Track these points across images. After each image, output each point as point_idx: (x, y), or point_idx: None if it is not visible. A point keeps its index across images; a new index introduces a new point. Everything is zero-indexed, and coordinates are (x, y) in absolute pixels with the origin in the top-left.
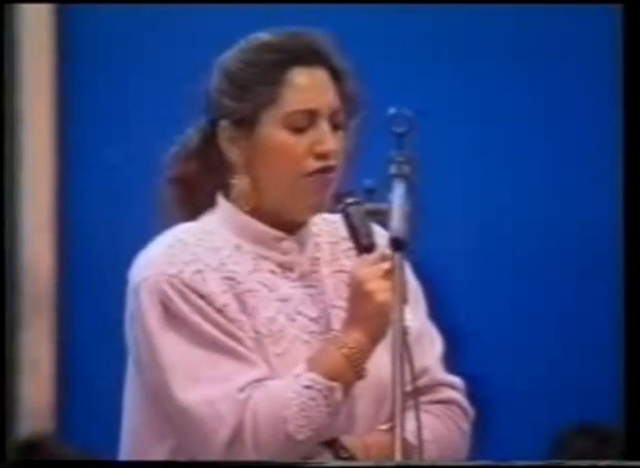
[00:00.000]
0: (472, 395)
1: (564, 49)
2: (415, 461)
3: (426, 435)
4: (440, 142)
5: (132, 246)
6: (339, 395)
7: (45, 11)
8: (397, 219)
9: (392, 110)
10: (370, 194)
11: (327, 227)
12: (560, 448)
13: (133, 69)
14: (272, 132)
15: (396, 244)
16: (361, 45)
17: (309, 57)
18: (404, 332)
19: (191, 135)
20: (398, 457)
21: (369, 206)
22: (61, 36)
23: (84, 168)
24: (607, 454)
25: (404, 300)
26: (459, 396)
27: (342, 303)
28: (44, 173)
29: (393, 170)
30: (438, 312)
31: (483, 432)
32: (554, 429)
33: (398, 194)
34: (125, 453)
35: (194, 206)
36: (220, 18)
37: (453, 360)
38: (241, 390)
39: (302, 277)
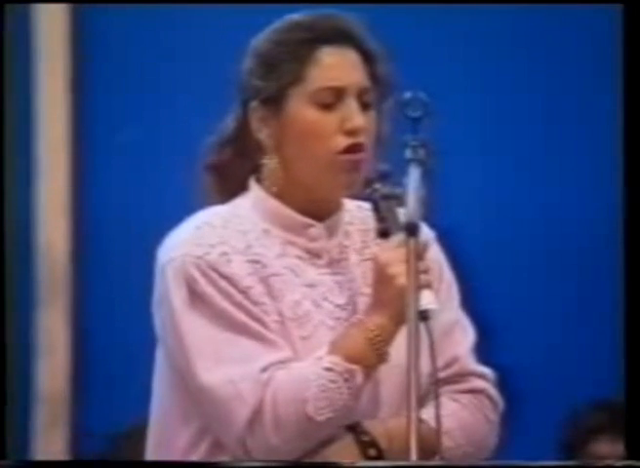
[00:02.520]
0: (502, 386)
1: (564, 49)
2: (433, 462)
3: (452, 423)
4: (439, 142)
5: (147, 230)
6: (359, 378)
7: (60, 11)
8: (411, 204)
9: (408, 94)
10: (384, 178)
11: (360, 214)
12: (574, 424)
13: (148, 69)
14: (300, 109)
15: (410, 229)
16: None
17: (338, 37)
18: (425, 317)
19: (228, 122)
20: (413, 442)
21: (384, 190)
22: (77, 36)
23: (99, 153)
24: (621, 429)
25: (427, 285)
26: (488, 386)
27: (370, 291)
28: (60, 158)
29: (408, 154)
30: (470, 302)
31: (511, 422)
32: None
33: (413, 178)
34: (152, 436)
35: (229, 192)
36: (234, 17)
37: (484, 350)
38: (263, 371)
39: (330, 264)
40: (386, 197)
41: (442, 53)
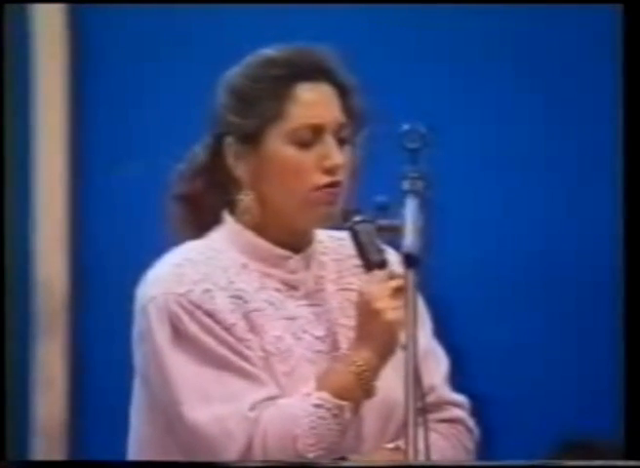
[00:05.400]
0: (476, 413)
1: (564, 49)
2: (423, 462)
3: (433, 454)
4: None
5: (146, 264)
6: (348, 414)
7: (57, 11)
8: (410, 236)
9: (406, 126)
10: (383, 210)
11: (332, 244)
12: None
13: (147, 70)
14: (278, 147)
15: (409, 260)
16: (364, 50)
17: (314, 72)
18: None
19: (197, 152)
20: (411, 445)
21: (382, 222)
22: (75, 36)
23: (99, 184)
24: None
25: (416, 318)
26: (464, 415)
27: (348, 321)
28: (58, 189)
29: (406, 185)
30: (443, 330)
31: (486, 449)
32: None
33: (411, 210)
34: None
35: (200, 223)
36: (234, 18)
37: (457, 378)
38: (251, 409)
39: (307, 295)
40: (384, 229)
41: (442, 53)
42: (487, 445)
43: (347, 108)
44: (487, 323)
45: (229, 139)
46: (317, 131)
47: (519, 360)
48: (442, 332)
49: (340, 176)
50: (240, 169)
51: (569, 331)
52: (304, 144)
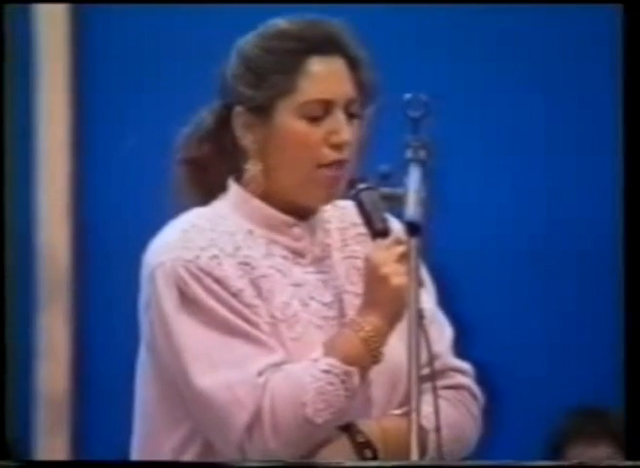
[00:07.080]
0: (480, 381)
1: (564, 49)
2: (429, 461)
3: (440, 420)
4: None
5: (148, 232)
6: (356, 379)
7: (60, 11)
8: (412, 204)
9: (408, 95)
10: (385, 179)
11: (336, 213)
12: (554, 427)
13: (148, 69)
14: (288, 120)
15: (411, 228)
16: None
17: (327, 46)
18: (420, 316)
19: (205, 116)
20: (414, 441)
21: (384, 190)
22: (77, 36)
23: (100, 155)
24: (601, 431)
25: (420, 284)
26: (469, 381)
27: (354, 288)
28: (60, 158)
29: (409, 154)
30: (447, 299)
31: (491, 419)
32: (556, 416)
33: (414, 179)
34: (138, 440)
35: (206, 188)
36: (235, 17)
37: (461, 346)
38: (259, 374)
39: (314, 262)
40: (387, 198)
41: (442, 52)
42: (490, 415)
43: (358, 82)
44: (490, 296)
45: (239, 109)
46: (327, 106)
47: (522, 335)
48: (444, 305)
49: (346, 154)
50: (247, 138)
51: (570, 312)
52: (314, 119)
